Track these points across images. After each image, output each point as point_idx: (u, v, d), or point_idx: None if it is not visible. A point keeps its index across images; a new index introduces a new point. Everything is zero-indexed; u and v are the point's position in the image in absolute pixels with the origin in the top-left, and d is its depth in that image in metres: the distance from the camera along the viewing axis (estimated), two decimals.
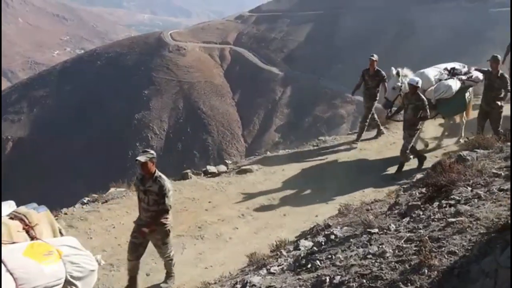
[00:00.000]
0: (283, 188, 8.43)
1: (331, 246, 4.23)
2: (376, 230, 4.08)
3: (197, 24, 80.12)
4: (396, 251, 3.49)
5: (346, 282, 3.31)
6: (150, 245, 5.59)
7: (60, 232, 4.80)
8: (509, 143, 5.84)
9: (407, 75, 8.86)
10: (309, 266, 3.89)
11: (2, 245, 3.84)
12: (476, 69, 9.19)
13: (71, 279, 3.92)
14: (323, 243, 4.39)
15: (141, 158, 5.16)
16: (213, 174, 9.28)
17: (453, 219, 3.60)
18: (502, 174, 4.54)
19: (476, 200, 3.95)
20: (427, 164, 8.15)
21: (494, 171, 4.70)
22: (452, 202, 4.13)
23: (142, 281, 5.86)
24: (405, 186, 6.45)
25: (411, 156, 8.68)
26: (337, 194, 7.81)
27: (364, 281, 3.22)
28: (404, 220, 4.24)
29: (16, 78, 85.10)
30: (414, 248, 3.39)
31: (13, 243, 4.00)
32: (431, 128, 10.26)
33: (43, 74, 65.62)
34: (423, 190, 5.02)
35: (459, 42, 46.56)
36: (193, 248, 6.65)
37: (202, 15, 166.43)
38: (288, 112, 50.73)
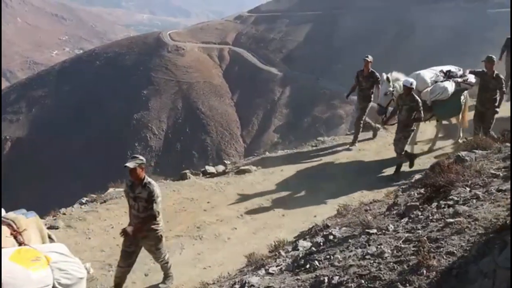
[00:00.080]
0: (282, 188, 8.42)
1: (330, 246, 4.22)
2: (374, 231, 4.09)
3: (196, 24, 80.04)
4: (395, 252, 3.49)
5: (344, 282, 3.31)
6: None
7: (50, 238, 4.77)
8: (507, 144, 5.84)
9: (398, 79, 8.85)
10: (307, 266, 3.89)
11: None
12: (470, 72, 9.15)
13: (59, 286, 3.88)
14: (321, 244, 4.39)
15: (130, 164, 5.11)
16: (212, 175, 9.29)
17: (451, 220, 3.61)
18: (501, 174, 4.54)
19: (474, 201, 3.96)
20: (425, 165, 8.16)
21: (493, 171, 4.70)
22: (451, 202, 4.13)
23: (141, 281, 5.87)
24: (403, 187, 6.44)
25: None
26: (336, 194, 7.80)
27: (363, 281, 3.22)
28: (402, 220, 4.24)
29: (15, 78, 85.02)
30: (413, 249, 3.39)
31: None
32: (429, 130, 10.27)
33: (42, 74, 65.52)
34: (422, 190, 5.01)
35: (458, 42, 46.56)
36: (192, 248, 6.65)
37: (201, 15, 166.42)
38: (287, 113, 50.68)
